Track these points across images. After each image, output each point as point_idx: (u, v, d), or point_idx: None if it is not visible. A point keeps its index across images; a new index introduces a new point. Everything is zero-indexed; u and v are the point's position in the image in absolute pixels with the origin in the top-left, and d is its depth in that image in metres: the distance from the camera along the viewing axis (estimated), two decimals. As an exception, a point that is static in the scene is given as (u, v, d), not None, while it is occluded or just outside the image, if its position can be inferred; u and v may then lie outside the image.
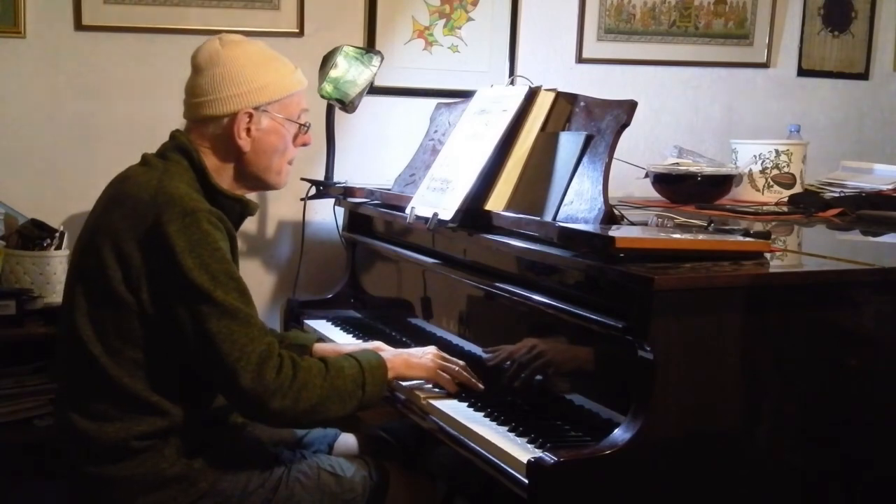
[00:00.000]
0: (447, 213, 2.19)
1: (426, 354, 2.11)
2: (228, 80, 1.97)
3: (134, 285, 1.84)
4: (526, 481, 1.65)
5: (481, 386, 2.07)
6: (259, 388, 1.80)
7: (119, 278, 1.84)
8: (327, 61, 2.94)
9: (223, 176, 2.02)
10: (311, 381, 1.86)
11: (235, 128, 1.98)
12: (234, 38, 2.04)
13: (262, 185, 2.09)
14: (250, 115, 1.98)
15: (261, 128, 2.00)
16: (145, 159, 2.01)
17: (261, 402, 1.82)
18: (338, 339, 2.58)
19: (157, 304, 1.84)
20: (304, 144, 2.10)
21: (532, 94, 2.29)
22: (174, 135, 2.02)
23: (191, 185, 1.94)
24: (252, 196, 2.11)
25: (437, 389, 2.09)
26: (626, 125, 2.05)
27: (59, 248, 2.77)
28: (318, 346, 2.27)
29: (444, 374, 2.07)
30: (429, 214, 2.25)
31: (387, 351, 2.11)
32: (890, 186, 2.99)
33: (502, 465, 1.75)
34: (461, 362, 2.11)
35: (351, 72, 2.93)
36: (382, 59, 3.00)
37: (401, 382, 2.12)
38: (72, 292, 1.94)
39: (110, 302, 1.85)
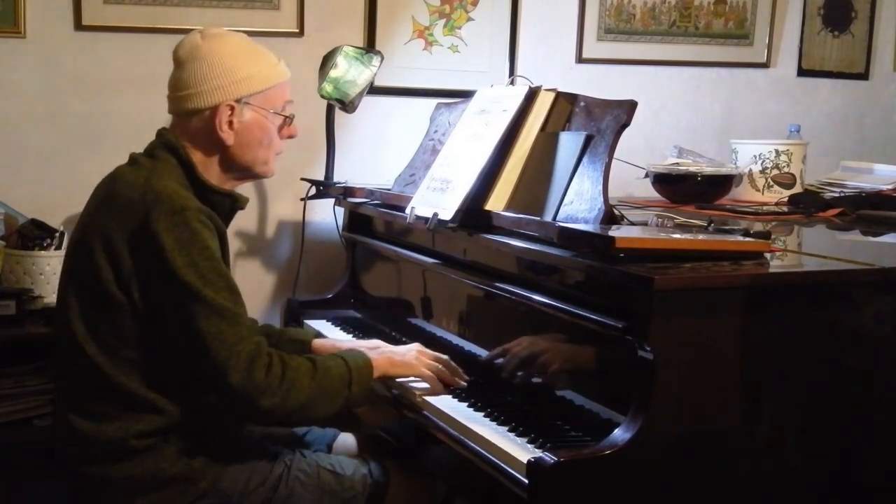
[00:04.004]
0: (447, 213, 2.19)
1: (410, 351, 2.12)
2: (209, 72, 1.97)
3: (125, 285, 1.84)
4: (526, 481, 1.65)
5: (464, 382, 2.09)
6: (249, 387, 1.81)
7: (111, 278, 1.84)
8: (327, 61, 2.94)
9: (210, 170, 2.01)
10: (299, 381, 1.87)
11: (217, 120, 1.97)
12: (216, 31, 2.03)
13: (251, 175, 2.09)
14: (232, 108, 1.98)
15: (243, 120, 1.99)
16: (133, 158, 2.01)
17: (251, 401, 1.82)
18: (337, 338, 2.57)
19: (149, 303, 1.84)
20: (290, 136, 2.10)
21: (532, 94, 2.29)
22: (160, 132, 2.02)
23: (179, 181, 1.94)
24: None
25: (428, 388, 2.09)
26: (626, 125, 2.05)
27: (59, 248, 2.76)
28: (317, 342, 2.27)
29: (427, 371, 2.08)
30: (429, 214, 2.25)
31: (373, 350, 2.11)
32: (890, 186, 2.99)
33: (502, 465, 1.75)
34: (444, 357, 2.13)
35: (351, 72, 2.93)
36: (382, 59, 3.00)
37: (397, 380, 2.12)
38: (65, 293, 1.94)
39: (103, 302, 1.85)
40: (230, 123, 1.98)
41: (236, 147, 2.00)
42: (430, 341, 2.37)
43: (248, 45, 2.03)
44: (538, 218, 2.05)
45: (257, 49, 2.04)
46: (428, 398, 2.04)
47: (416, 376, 2.11)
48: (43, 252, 2.75)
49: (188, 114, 1.99)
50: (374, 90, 3.05)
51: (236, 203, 2.06)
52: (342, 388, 1.93)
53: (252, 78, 1.99)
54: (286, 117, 2.06)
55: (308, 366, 1.91)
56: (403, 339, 2.47)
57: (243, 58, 2.00)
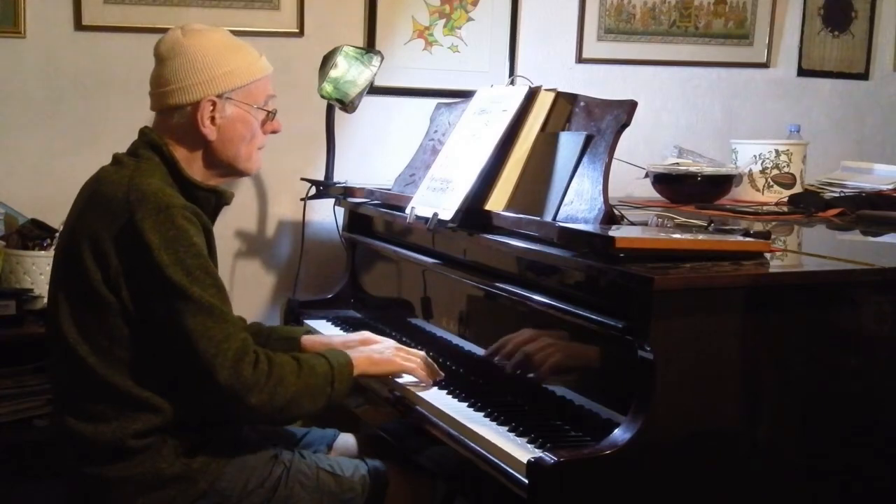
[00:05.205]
0: (447, 213, 2.19)
1: (387, 349, 2.14)
2: (190, 68, 1.96)
3: (114, 285, 1.84)
4: (526, 481, 1.64)
5: (441, 374, 2.12)
6: (236, 384, 1.81)
7: (99, 279, 1.84)
8: (327, 61, 2.94)
9: (194, 166, 2.01)
10: (286, 378, 1.88)
11: (199, 116, 1.97)
12: (197, 27, 2.03)
13: (234, 172, 2.09)
14: (213, 103, 1.97)
15: (225, 115, 1.99)
16: (116, 158, 2.01)
17: (238, 398, 1.83)
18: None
19: (137, 302, 1.85)
20: (274, 132, 2.09)
21: (532, 94, 2.29)
22: (143, 131, 2.02)
23: (164, 179, 1.94)
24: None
25: (414, 381, 2.12)
26: (626, 125, 2.05)
27: (58, 248, 2.77)
28: (307, 339, 2.27)
29: (410, 364, 2.10)
30: (429, 214, 2.25)
31: (354, 350, 2.11)
32: (890, 186, 2.99)
33: (502, 465, 1.75)
34: (421, 353, 2.15)
35: (351, 72, 2.93)
36: (382, 59, 3.00)
37: (397, 381, 2.13)
38: (55, 296, 1.94)
39: (93, 303, 1.86)
40: (212, 119, 1.98)
41: (219, 143, 2.00)
42: (431, 341, 2.37)
43: (229, 41, 2.03)
44: (538, 218, 2.05)
45: (238, 44, 2.04)
46: (426, 397, 2.04)
47: (397, 371, 2.12)
48: (43, 252, 2.75)
49: (170, 110, 1.99)
50: (374, 90, 3.05)
51: (221, 199, 2.05)
52: (325, 385, 1.94)
53: (233, 73, 1.99)
54: (269, 112, 2.06)
55: (293, 363, 1.92)
56: (404, 340, 2.47)
57: (224, 53, 1.99)
